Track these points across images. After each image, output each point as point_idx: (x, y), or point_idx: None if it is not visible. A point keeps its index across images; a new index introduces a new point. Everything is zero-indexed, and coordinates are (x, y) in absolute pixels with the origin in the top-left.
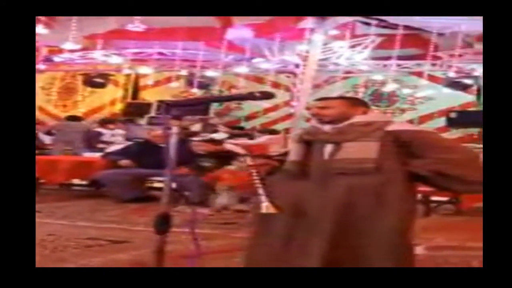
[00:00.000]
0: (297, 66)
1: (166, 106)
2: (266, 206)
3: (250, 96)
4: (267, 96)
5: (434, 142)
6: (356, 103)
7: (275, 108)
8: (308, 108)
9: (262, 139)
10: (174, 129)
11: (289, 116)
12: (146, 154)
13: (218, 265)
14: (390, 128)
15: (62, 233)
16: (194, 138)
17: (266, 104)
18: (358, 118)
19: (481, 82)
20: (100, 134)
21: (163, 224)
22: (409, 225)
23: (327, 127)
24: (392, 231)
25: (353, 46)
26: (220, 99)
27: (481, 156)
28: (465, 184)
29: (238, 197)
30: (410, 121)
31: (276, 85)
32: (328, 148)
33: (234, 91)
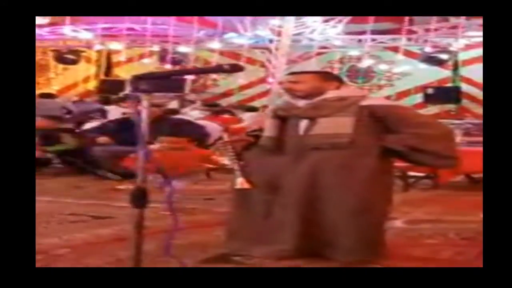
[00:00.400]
0: (270, 41)
1: (133, 80)
2: (240, 182)
3: (219, 69)
4: (236, 68)
5: (409, 117)
6: (329, 77)
7: (250, 85)
8: (281, 83)
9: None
10: (144, 104)
11: (266, 92)
12: (123, 130)
13: (198, 239)
14: (365, 103)
15: (44, 209)
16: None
17: (241, 80)
18: (331, 93)
19: (457, 57)
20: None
21: (139, 198)
22: (380, 199)
23: (301, 103)
24: (361, 205)
25: (326, 21)
26: (189, 72)
27: (456, 131)
28: (440, 159)
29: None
30: (388, 98)
31: (251, 61)
32: (303, 123)
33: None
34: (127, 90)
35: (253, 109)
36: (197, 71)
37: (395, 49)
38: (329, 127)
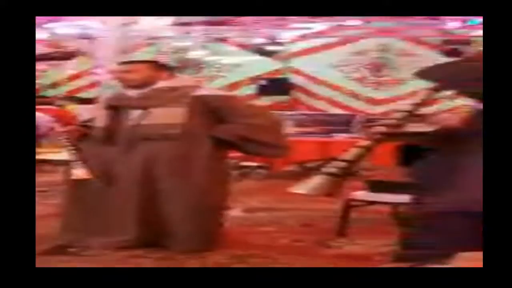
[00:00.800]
0: (97, 31)
1: None
2: (78, 173)
3: (47, 56)
4: (66, 56)
5: (240, 107)
6: (160, 67)
7: (80, 75)
8: (112, 73)
9: None
10: None
11: (95, 83)
12: None
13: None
14: (197, 93)
15: None
16: None
17: (70, 71)
18: (163, 83)
19: (287, 48)
20: None
21: None
22: (215, 188)
23: (132, 92)
24: (197, 194)
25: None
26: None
27: (289, 122)
28: (271, 149)
29: None
30: (220, 89)
31: (77, 51)
32: (135, 113)
33: None
34: None
35: (84, 100)
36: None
37: (225, 41)
38: (160, 117)
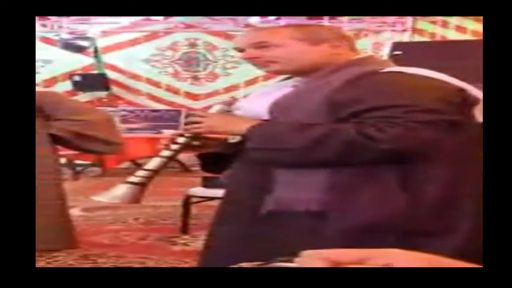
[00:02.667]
0: None
1: None
2: None
3: None
4: None
5: (67, 104)
6: None
7: None
8: None
9: None
10: None
11: None
12: None
13: None
14: None
15: None
16: None
17: None
18: None
19: (96, 43)
20: None
21: None
22: (52, 189)
23: None
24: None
25: None
26: None
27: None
28: (106, 145)
29: None
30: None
31: None
32: None
33: None
34: None
35: None
36: None
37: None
38: None
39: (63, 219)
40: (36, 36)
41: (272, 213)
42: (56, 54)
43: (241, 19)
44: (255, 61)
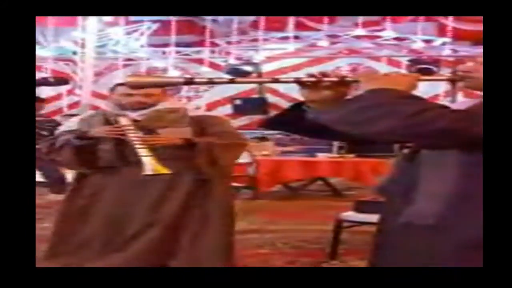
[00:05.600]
0: (74, 53)
1: None
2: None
3: (44, 82)
4: (61, 81)
5: (216, 126)
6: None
7: (58, 97)
8: (110, 95)
9: None
10: None
11: (75, 104)
12: None
13: None
14: (192, 113)
15: None
16: None
17: (50, 92)
18: (163, 105)
19: (260, 69)
20: None
21: None
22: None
23: (134, 114)
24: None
25: (129, 33)
26: None
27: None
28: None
29: None
30: (197, 109)
31: (56, 72)
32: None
33: None
34: None
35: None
36: None
37: (200, 61)
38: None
39: (231, 238)
40: (204, 61)
41: (408, 224)
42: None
43: (405, 44)
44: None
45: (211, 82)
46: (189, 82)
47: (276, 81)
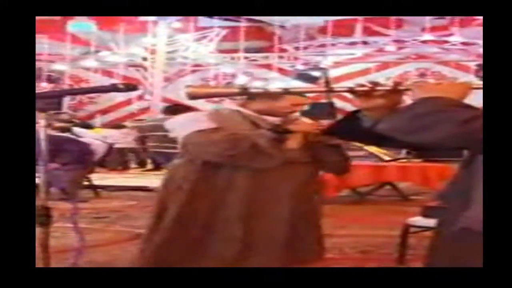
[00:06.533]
0: (145, 59)
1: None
2: None
3: (114, 88)
4: (131, 88)
5: None
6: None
7: (128, 102)
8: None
9: None
10: (42, 123)
11: (144, 109)
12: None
13: (97, 258)
14: None
15: None
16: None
17: (120, 98)
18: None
19: (327, 74)
20: None
21: (42, 216)
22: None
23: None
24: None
25: (198, 39)
26: (84, 91)
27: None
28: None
29: None
30: None
31: (126, 78)
32: None
33: (84, 85)
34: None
35: (120, 127)
36: (93, 90)
37: (268, 67)
38: None
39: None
40: (272, 66)
41: (464, 229)
42: (288, 84)
43: (472, 48)
44: None
45: (267, 92)
46: (244, 93)
47: (330, 90)
